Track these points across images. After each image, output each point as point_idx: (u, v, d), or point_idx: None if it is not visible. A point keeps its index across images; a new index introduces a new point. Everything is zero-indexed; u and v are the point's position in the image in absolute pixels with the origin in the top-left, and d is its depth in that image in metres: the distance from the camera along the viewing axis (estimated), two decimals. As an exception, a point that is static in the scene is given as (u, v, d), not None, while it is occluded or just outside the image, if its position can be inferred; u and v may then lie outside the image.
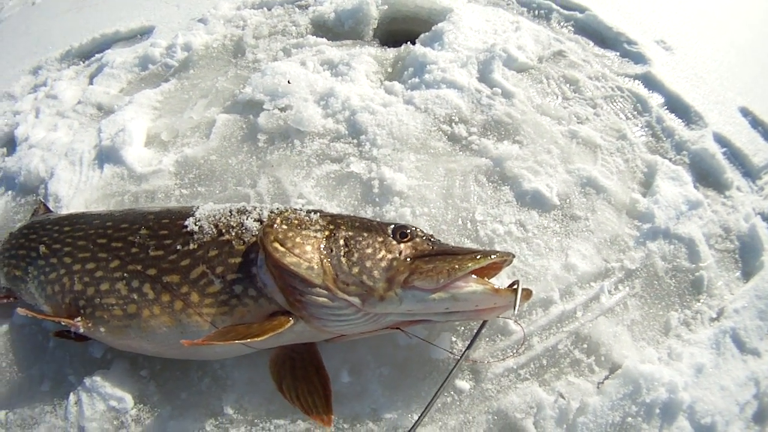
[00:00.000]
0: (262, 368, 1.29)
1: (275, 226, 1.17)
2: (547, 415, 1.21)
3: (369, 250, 1.13)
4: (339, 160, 1.68)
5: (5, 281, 1.70)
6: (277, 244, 1.10)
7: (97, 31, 3.07)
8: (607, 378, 1.29)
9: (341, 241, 1.14)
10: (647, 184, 1.75)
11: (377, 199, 1.54)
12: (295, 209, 1.27)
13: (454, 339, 1.30)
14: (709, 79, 2.30)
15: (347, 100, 1.80)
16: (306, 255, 1.10)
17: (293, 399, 1.18)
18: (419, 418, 1.13)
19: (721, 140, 1.98)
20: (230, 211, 1.31)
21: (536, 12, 2.64)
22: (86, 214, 1.67)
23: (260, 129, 1.82)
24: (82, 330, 1.35)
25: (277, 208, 1.29)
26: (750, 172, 1.93)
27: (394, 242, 1.15)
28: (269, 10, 2.74)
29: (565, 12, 2.63)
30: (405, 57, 2.08)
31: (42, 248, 1.53)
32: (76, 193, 1.99)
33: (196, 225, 1.29)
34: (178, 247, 1.27)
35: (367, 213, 1.52)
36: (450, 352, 1.26)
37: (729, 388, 1.36)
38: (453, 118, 1.81)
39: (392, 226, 1.18)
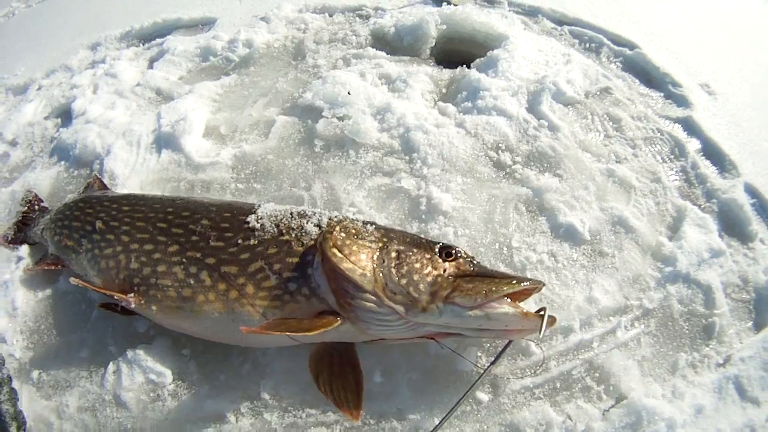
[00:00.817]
0: (302, 360, 1.41)
1: (335, 232, 1.33)
2: None
3: (417, 265, 1.28)
4: (390, 174, 1.84)
5: (55, 249, 1.80)
6: (335, 250, 1.27)
7: (159, 16, 3.22)
8: (613, 407, 1.43)
9: (393, 254, 1.30)
10: (675, 229, 1.87)
11: (423, 216, 1.70)
12: (353, 219, 1.45)
13: (479, 354, 1.46)
14: (747, 128, 2.40)
15: (403, 117, 1.96)
16: (361, 262, 1.27)
17: (327, 392, 1.32)
18: (440, 422, 1.29)
19: (751, 191, 2.07)
20: (291, 214, 1.45)
21: (587, 45, 2.78)
22: (146, 196, 1.79)
23: (318, 135, 1.97)
24: (133, 306, 1.47)
25: (336, 216, 1.43)
26: None
27: (440, 260, 1.31)
28: (331, 16, 2.92)
29: (615, 47, 2.79)
30: (460, 80, 2.24)
31: (99, 223, 1.64)
32: (132, 173, 2.12)
33: (258, 222, 1.44)
34: (239, 240, 1.41)
35: (413, 228, 1.68)
36: (475, 365, 1.42)
37: (727, 424, 1.46)
38: (500, 145, 1.97)
39: (439, 245, 1.35)
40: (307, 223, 1.41)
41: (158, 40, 3.05)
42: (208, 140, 2.15)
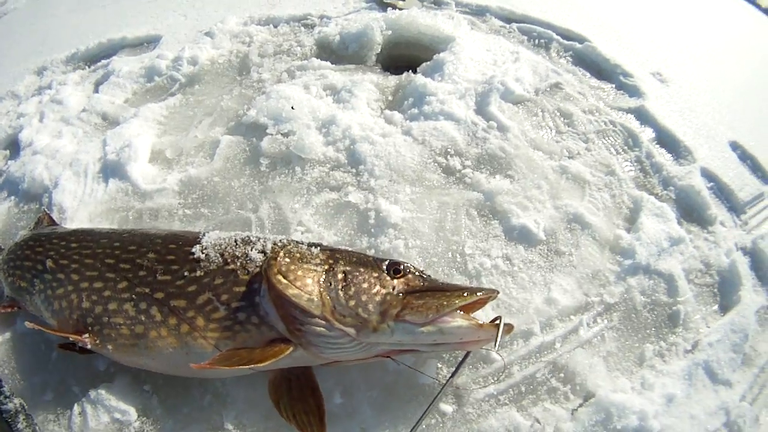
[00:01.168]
0: (261, 388, 1.40)
1: (279, 258, 1.30)
2: None
3: (365, 285, 1.26)
4: (338, 188, 1.82)
5: (9, 291, 1.78)
6: (280, 277, 1.25)
7: (104, 36, 3.19)
8: (581, 406, 1.43)
9: (339, 276, 1.28)
10: (632, 220, 1.88)
11: (373, 230, 1.68)
12: (298, 242, 1.41)
13: (439, 365, 1.44)
14: (701, 113, 2.45)
15: (348, 129, 1.95)
16: (307, 288, 1.24)
17: (290, 417, 1.31)
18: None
19: (708, 175, 2.12)
20: (235, 241, 1.43)
21: (536, 41, 2.82)
22: (94, 231, 1.78)
23: (263, 153, 1.95)
24: (89, 346, 1.45)
25: (281, 241, 1.41)
26: (735, 207, 2.08)
27: (388, 278, 1.29)
28: (275, 27, 2.91)
29: (565, 42, 2.85)
30: (406, 86, 2.23)
31: (49, 263, 1.63)
32: (81, 205, 2.09)
33: (202, 253, 1.43)
34: (186, 273, 1.40)
35: (363, 243, 1.66)
36: (435, 379, 1.40)
37: (699, 417, 1.47)
38: (449, 150, 1.96)
39: (387, 262, 1.32)
40: (251, 250, 1.39)
41: (104, 62, 3.02)
42: (155, 165, 2.13)
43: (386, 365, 1.44)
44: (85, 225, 2.01)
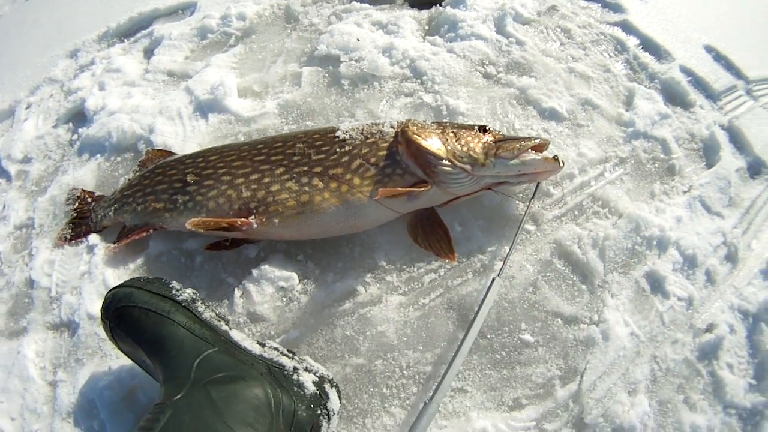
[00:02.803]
0: (399, 232, 1.87)
1: (410, 125, 1.86)
2: (585, 242, 1.93)
3: (469, 138, 1.84)
4: (411, 94, 2.35)
5: (139, 219, 2.03)
6: (415, 135, 1.83)
7: (132, 11, 3.45)
8: (618, 219, 2.01)
9: (451, 134, 1.85)
10: (629, 103, 2.46)
11: (447, 118, 2.26)
12: (412, 119, 2.00)
13: (517, 202, 2.01)
14: (677, 22, 2.97)
15: (405, 51, 2.51)
16: (434, 140, 1.81)
17: (427, 246, 1.79)
18: (510, 249, 1.78)
19: (686, 71, 2.64)
20: (367, 124, 1.92)
21: None
22: (227, 145, 2.11)
23: (342, 76, 2.41)
24: (255, 226, 1.76)
25: (398, 120, 1.99)
26: (711, 95, 2.60)
27: (481, 134, 1.93)
28: None
29: None
30: (437, 17, 2.80)
31: (189, 177, 1.94)
32: (186, 140, 2.39)
33: (345, 134, 1.87)
34: (337, 149, 1.83)
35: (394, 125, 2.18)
36: (521, 202, 1.98)
37: (702, 234, 2.03)
38: (484, 61, 2.54)
39: (477, 126, 1.97)
40: (382, 127, 1.91)
41: (143, 32, 3.31)
42: (246, 99, 2.51)
43: (483, 202, 1.98)
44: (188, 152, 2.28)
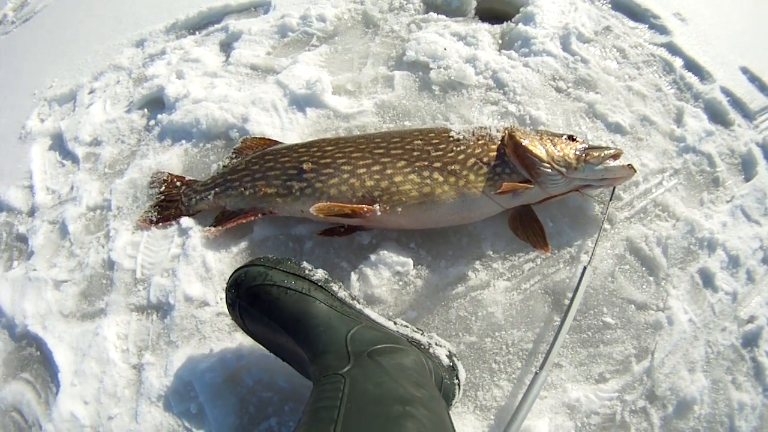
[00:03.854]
0: (501, 226, 2.14)
1: (516, 131, 2.12)
2: (651, 240, 2.28)
3: (563, 145, 2.16)
4: (496, 103, 2.64)
5: (247, 203, 2.17)
6: (522, 139, 2.14)
7: (203, 5, 3.62)
8: (676, 222, 2.38)
9: (548, 140, 2.19)
10: (679, 120, 2.79)
11: (531, 127, 2.62)
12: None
13: (594, 204, 2.36)
14: (716, 44, 3.26)
15: (488, 63, 2.78)
16: (537, 145, 2.13)
17: (525, 239, 2.06)
18: (594, 245, 2.11)
19: (725, 91, 2.96)
20: (476, 127, 2.18)
21: None
22: (342, 137, 2.30)
23: (432, 82, 2.67)
24: (379, 213, 1.95)
25: (503, 126, 2.32)
26: (748, 115, 2.94)
27: (571, 141, 2.27)
28: None
29: None
30: (509, 32, 3.07)
31: (306, 165, 2.10)
32: (284, 131, 2.53)
33: (459, 135, 2.12)
34: (453, 147, 2.07)
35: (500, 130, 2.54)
36: (598, 203, 2.34)
37: (744, 238, 2.32)
38: (555, 76, 2.84)
39: (566, 135, 2.33)
40: (490, 130, 2.23)
41: (215, 26, 3.48)
42: (341, 96, 2.71)
43: (569, 203, 2.27)
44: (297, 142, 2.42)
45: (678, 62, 3.22)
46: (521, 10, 3.29)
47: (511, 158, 2.19)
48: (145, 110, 2.99)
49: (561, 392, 1.93)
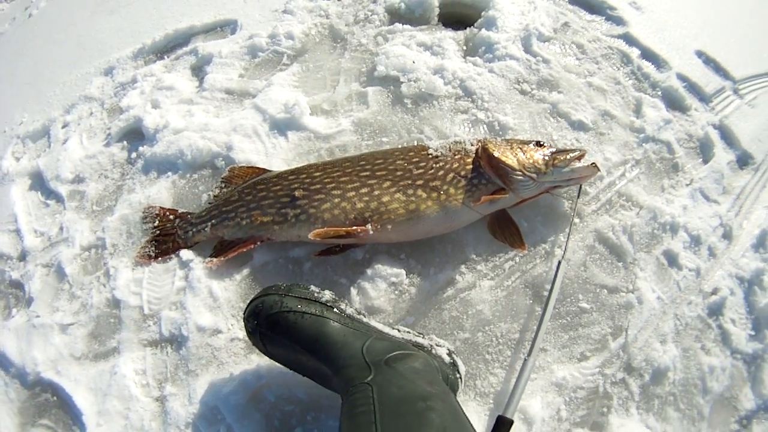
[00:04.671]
0: (480, 230, 2.37)
1: (489, 143, 2.32)
2: (617, 229, 2.51)
3: (532, 152, 2.40)
4: (466, 111, 2.86)
5: (244, 232, 2.36)
6: (495, 151, 2.29)
7: (167, 27, 3.69)
8: (639, 210, 2.67)
9: (518, 149, 2.42)
10: (638, 111, 3.02)
11: (500, 133, 2.86)
12: (487, 137, 2.69)
13: (564, 201, 2.64)
14: (671, 30, 3.44)
15: (455, 72, 2.99)
16: (508, 155, 2.35)
17: (504, 240, 2.32)
18: (568, 236, 2.39)
19: (682, 77, 3.17)
20: (451, 142, 2.40)
21: None
22: (325, 162, 2.46)
23: (404, 95, 2.85)
24: (371, 232, 2.16)
25: (476, 138, 2.48)
26: (704, 98, 3.16)
27: (539, 147, 2.52)
28: (339, 0, 3.62)
29: None
30: (472, 38, 3.27)
31: (298, 192, 2.30)
32: (269, 156, 2.69)
33: (436, 152, 2.33)
34: (433, 164, 2.29)
35: (474, 143, 2.78)
36: (567, 200, 2.61)
37: (704, 218, 2.63)
38: (519, 79, 3.05)
39: (534, 141, 2.58)
40: (465, 144, 2.40)
41: (184, 50, 3.52)
42: (319, 117, 2.89)
43: (540, 202, 2.52)
44: (284, 169, 2.56)
45: (635, 52, 3.48)
46: (483, 14, 3.54)
47: (486, 169, 2.33)
48: (125, 143, 3.09)
49: (548, 373, 2.20)
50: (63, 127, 3.38)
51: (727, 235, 2.69)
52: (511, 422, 1.93)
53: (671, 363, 2.32)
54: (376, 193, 2.27)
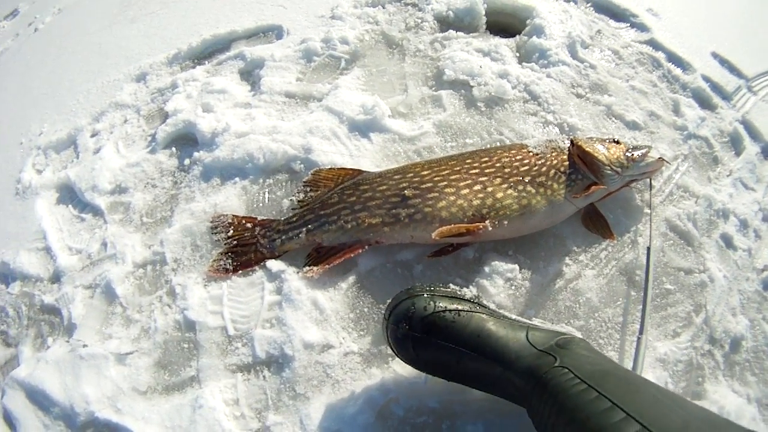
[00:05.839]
0: (575, 224, 2.61)
1: (579, 141, 2.56)
2: (682, 217, 2.95)
3: (614, 149, 2.69)
4: (535, 114, 3.15)
5: (350, 236, 2.40)
6: (586, 147, 2.52)
7: (205, 33, 3.88)
8: (697, 199, 2.98)
9: (601, 146, 2.72)
10: (677, 111, 3.50)
11: (570, 133, 3.27)
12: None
13: (637, 194, 3.09)
14: (687, 34, 3.83)
15: (518, 77, 3.33)
16: (598, 150, 2.67)
17: (596, 232, 2.55)
18: (650, 230, 2.63)
19: (705, 78, 3.60)
20: (547, 140, 2.64)
21: None
22: (432, 160, 2.59)
23: (476, 99, 3.07)
24: (490, 228, 2.30)
25: (564, 137, 2.74)
26: (726, 96, 3.59)
27: (617, 145, 2.83)
28: (384, 7, 3.88)
29: None
30: (523, 45, 3.65)
31: (407, 192, 2.40)
32: (354, 158, 2.78)
33: (537, 150, 2.53)
34: (535, 162, 2.50)
35: (566, 141, 3.39)
36: (638, 193, 3.21)
37: (746, 204, 2.95)
38: (573, 83, 3.43)
39: (612, 138, 2.94)
40: (558, 143, 2.63)
41: (228, 54, 3.63)
42: (397, 119, 3.05)
43: (618, 196, 2.78)
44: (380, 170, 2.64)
45: (662, 56, 3.99)
46: (529, 22, 3.96)
47: (579, 165, 2.57)
48: (173, 149, 3.12)
49: (653, 351, 2.40)
50: (92, 135, 3.41)
51: (767, 219, 3.04)
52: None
53: (744, 332, 2.58)
54: (490, 189, 2.40)
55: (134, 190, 2.92)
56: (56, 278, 2.64)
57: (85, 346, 2.26)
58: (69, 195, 3.08)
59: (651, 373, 2.55)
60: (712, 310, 2.91)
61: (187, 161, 2.98)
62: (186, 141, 3.13)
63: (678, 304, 2.89)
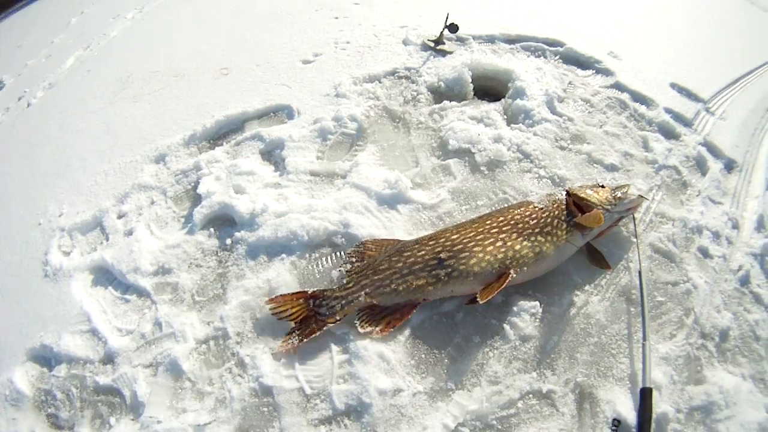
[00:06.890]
0: (577, 260, 3.14)
1: (574, 191, 3.14)
2: (663, 239, 3.64)
3: (602, 192, 3.17)
4: (529, 170, 3.73)
5: (402, 296, 2.83)
6: (580, 194, 3.14)
7: (218, 114, 4.32)
8: (673, 222, 3.64)
9: (590, 191, 3.18)
10: (646, 146, 4.17)
11: (561, 183, 3.83)
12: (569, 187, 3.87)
13: (622, 228, 3.57)
14: (646, 71, 4.56)
15: (511, 139, 4.01)
16: (590, 195, 3.15)
17: (596, 264, 3.15)
18: (638, 256, 3.21)
19: (668, 110, 4.27)
20: (546, 195, 3.21)
21: (536, 53, 4.95)
22: (458, 225, 3.16)
23: (479, 164, 3.67)
24: (514, 275, 2.80)
25: (560, 189, 3.37)
26: (687, 123, 4.29)
27: (603, 188, 3.25)
28: (380, 82, 4.48)
29: (552, 48, 4.95)
30: (508, 108, 4.36)
31: (443, 254, 2.88)
32: (387, 229, 3.20)
33: (541, 204, 3.07)
34: (543, 215, 3.03)
35: (563, 192, 3.43)
36: (624, 227, 4.02)
37: (716, 216, 3.66)
38: (556, 137, 4.14)
39: (599, 183, 3.60)
40: (556, 196, 3.20)
41: (244, 135, 4.14)
42: (417, 190, 3.55)
43: (609, 236, 3.38)
44: (405, 239, 3.08)
45: (627, 97, 4.71)
46: (510, 85, 4.69)
47: (575, 211, 3.16)
48: (211, 230, 3.35)
49: (656, 352, 2.90)
50: (119, 217, 3.59)
51: (735, 226, 3.62)
52: (651, 389, 2.62)
53: (730, 323, 3.10)
54: (509, 244, 2.92)
55: (179, 271, 3.10)
56: (109, 359, 2.76)
57: (159, 422, 2.37)
58: (105, 277, 3.23)
59: (657, 370, 2.89)
60: (699, 311, 3.36)
61: (228, 241, 3.22)
62: (222, 222, 3.39)
63: (670, 311, 3.26)
